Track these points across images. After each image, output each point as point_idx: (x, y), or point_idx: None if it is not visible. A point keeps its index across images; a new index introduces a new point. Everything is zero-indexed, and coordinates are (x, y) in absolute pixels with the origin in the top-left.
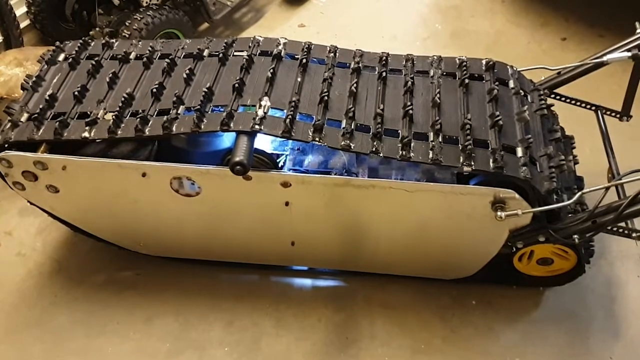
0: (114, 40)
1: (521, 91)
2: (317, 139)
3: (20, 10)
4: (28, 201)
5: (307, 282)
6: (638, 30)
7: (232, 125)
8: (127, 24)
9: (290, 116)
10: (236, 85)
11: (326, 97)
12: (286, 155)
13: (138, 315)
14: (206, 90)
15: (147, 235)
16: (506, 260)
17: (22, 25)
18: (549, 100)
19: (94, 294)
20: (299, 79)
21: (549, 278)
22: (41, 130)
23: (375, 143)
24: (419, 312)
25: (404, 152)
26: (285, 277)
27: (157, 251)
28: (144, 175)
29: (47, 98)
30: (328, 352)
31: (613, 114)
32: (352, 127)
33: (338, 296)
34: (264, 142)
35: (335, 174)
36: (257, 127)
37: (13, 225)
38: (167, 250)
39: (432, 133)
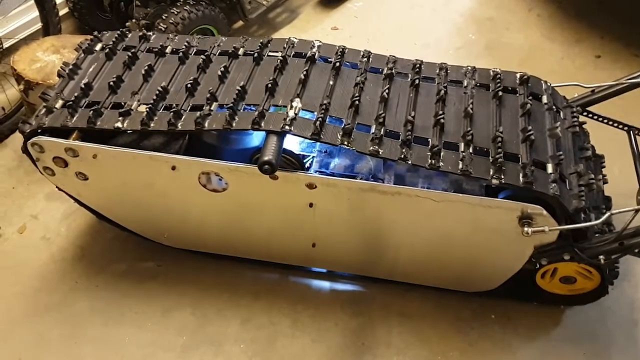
0: (151, 33)
1: (554, 107)
2: (345, 142)
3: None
4: (57, 187)
5: (326, 284)
6: None
7: (263, 124)
8: (163, 17)
9: (320, 119)
10: (269, 85)
11: (357, 102)
12: (313, 157)
13: (156, 307)
14: (239, 88)
15: (172, 227)
16: (529, 277)
17: (61, 13)
18: (581, 118)
19: (114, 283)
20: (331, 82)
21: (571, 297)
22: (75, 118)
23: (404, 150)
24: (437, 323)
25: (433, 161)
26: (304, 278)
27: (180, 244)
28: (173, 168)
29: (83, 86)
30: (343, 357)
31: None
32: (382, 132)
33: (356, 301)
34: (292, 143)
35: (361, 179)
36: (287, 127)
37: (39, 209)
38: (190, 244)
39: (462, 143)
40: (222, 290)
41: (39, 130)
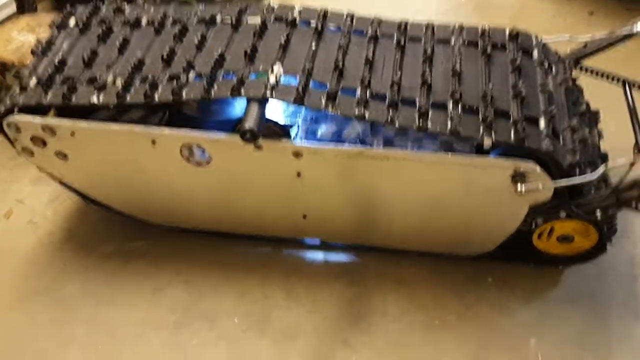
0: (125, 5)
1: (545, 62)
2: (330, 107)
3: None
4: (37, 168)
5: (320, 255)
6: None
7: (242, 91)
8: None
9: (303, 83)
10: (248, 51)
11: (341, 65)
12: (298, 125)
13: (147, 286)
14: (217, 56)
15: (158, 205)
16: (525, 238)
17: None
18: (574, 73)
19: (103, 264)
20: (313, 46)
21: (569, 256)
22: (49, 95)
23: (391, 112)
24: (433, 288)
25: (421, 122)
26: (297, 251)
27: (168, 222)
28: (153, 142)
29: (57, 63)
30: (339, 326)
31: None
32: (367, 95)
33: (350, 271)
34: (276, 112)
35: (348, 145)
36: (268, 93)
37: (25, 193)
38: (178, 221)
39: (451, 103)
40: (214, 266)
41: (15, 110)
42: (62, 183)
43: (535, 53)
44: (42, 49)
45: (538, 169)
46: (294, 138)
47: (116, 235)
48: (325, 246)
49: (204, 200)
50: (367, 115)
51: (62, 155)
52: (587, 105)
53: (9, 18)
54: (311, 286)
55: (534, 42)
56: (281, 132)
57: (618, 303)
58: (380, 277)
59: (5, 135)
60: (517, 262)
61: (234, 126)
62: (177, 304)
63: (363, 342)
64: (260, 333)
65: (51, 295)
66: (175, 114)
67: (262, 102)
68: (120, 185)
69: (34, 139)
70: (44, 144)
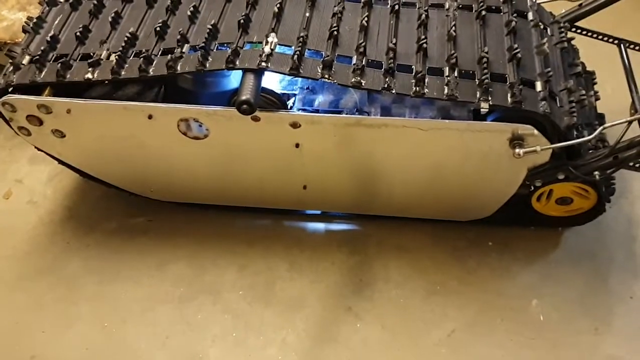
0: None
1: (540, 24)
2: (326, 75)
3: None
4: (35, 147)
5: (321, 226)
6: None
7: (238, 62)
8: None
9: (298, 52)
10: (242, 21)
11: (336, 32)
12: (295, 95)
13: (151, 261)
14: (211, 27)
15: (157, 180)
16: (524, 201)
17: None
18: (570, 34)
19: (106, 241)
20: (307, 14)
21: (568, 218)
22: (43, 73)
23: (387, 79)
24: (434, 254)
25: (417, 88)
26: (298, 222)
27: (168, 197)
28: (150, 117)
29: (49, 40)
30: (342, 294)
31: (637, 48)
32: (363, 63)
33: (352, 240)
34: (273, 82)
35: (346, 114)
36: (263, 64)
37: (24, 173)
38: (178, 196)
39: (447, 68)
40: (216, 240)
41: (9, 90)
42: (60, 161)
43: (530, 15)
44: (34, 26)
45: (535, 132)
46: (290, 108)
47: (117, 212)
48: (325, 217)
49: (203, 173)
50: (363, 83)
51: (59, 133)
52: (583, 66)
53: None
54: (313, 256)
55: (529, 3)
56: (278, 102)
57: (618, 263)
58: (381, 245)
59: (1, 115)
60: (517, 225)
61: (229, 98)
62: (181, 279)
63: (366, 308)
64: (265, 304)
65: (54, 273)
66: (170, 89)
67: (258, 72)
68: (118, 161)
69: (30, 118)
70: (40, 122)
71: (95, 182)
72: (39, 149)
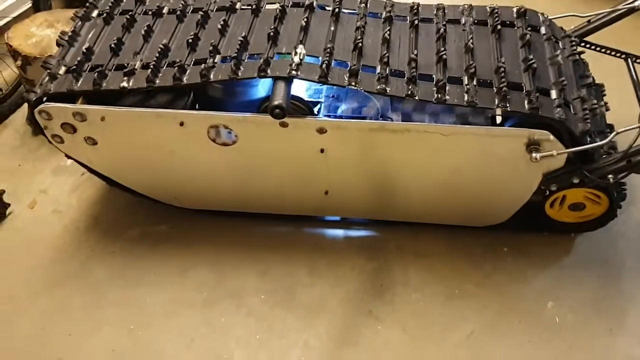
0: None
1: (553, 37)
2: (353, 83)
3: None
4: (66, 155)
5: (340, 232)
6: None
7: (269, 71)
8: None
9: (326, 62)
10: (271, 34)
11: (360, 44)
12: (321, 103)
13: (174, 268)
14: (241, 39)
15: (183, 187)
16: (538, 207)
17: None
18: (579, 49)
19: (130, 248)
20: (332, 28)
21: (581, 224)
22: (80, 82)
23: (410, 87)
24: (451, 259)
25: (439, 95)
26: (318, 228)
27: (192, 204)
28: (181, 124)
29: (84, 51)
30: (363, 299)
31: None
32: (387, 72)
33: (371, 246)
34: (299, 91)
35: (370, 120)
36: (294, 72)
37: (48, 184)
38: (202, 203)
39: (466, 77)
40: (237, 246)
41: (44, 99)
42: (89, 169)
43: (543, 29)
44: (68, 39)
45: (551, 137)
46: (317, 115)
47: (140, 220)
48: (344, 223)
49: (228, 180)
50: (388, 90)
51: (92, 141)
52: (593, 78)
53: (25, 14)
54: (333, 262)
55: (541, 18)
56: (306, 109)
57: (629, 267)
58: (399, 250)
59: (36, 122)
60: (531, 231)
61: (258, 106)
62: (204, 284)
63: (387, 312)
64: (287, 308)
65: (80, 279)
66: (199, 98)
67: (288, 80)
68: (146, 168)
69: (64, 126)
70: (74, 130)
71: (121, 190)
72: (69, 157)
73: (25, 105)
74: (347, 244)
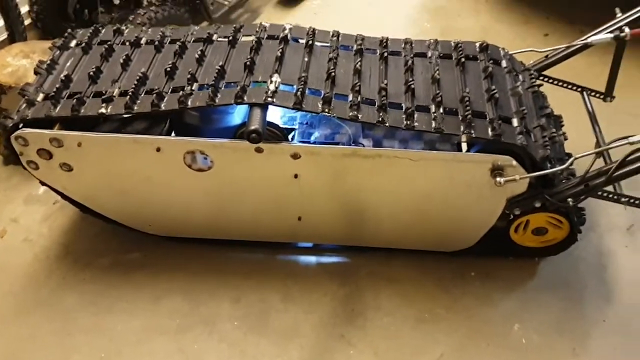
0: (124, 27)
1: (513, 70)
2: (326, 110)
3: (22, 10)
4: (40, 182)
5: (313, 259)
6: (618, 15)
7: (245, 98)
8: (130, 19)
9: (300, 90)
10: (247, 63)
11: (333, 74)
12: (295, 130)
13: (146, 295)
14: (219, 68)
15: (158, 214)
16: (504, 232)
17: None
18: (538, 82)
19: (102, 276)
20: (306, 59)
21: (544, 249)
22: (58, 108)
23: (381, 114)
24: (421, 284)
25: (408, 122)
26: (291, 255)
27: (166, 231)
28: (158, 150)
29: (63, 79)
30: (335, 324)
31: (597, 95)
32: (359, 100)
33: (343, 272)
34: (275, 118)
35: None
36: (269, 99)
37: (19, 212)
38: (176, 230)
39: (433, 105)
40: (211, 274)
41: (21, 125)
42: (63, 195)
43: (504, 62)
44: (47, 68)
45: (514, 162)
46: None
47: (113, 248)
48: (317, 249)
49: (203, 206)
50: (360, 117)
51: (67, 167)
52: (552, 110)
53: (1, 45)
54: (306, 288)
55: (502, 53)
56: (281, 135)
57: (591, 290)
58: (371, 276)
59: (10, 150)
60: (498, 256)
61: (233, 132)
62: (177, 311)
63: (359, 336)
64: (260, 334)
65: (50, 307)
66: (176, 125)
67: (264, 107)
68: (120, 195)
69: (40, 152)
70: (50, 156)
71: (94, 217)
72: (43, 184)
73: None
74: (319, 270)
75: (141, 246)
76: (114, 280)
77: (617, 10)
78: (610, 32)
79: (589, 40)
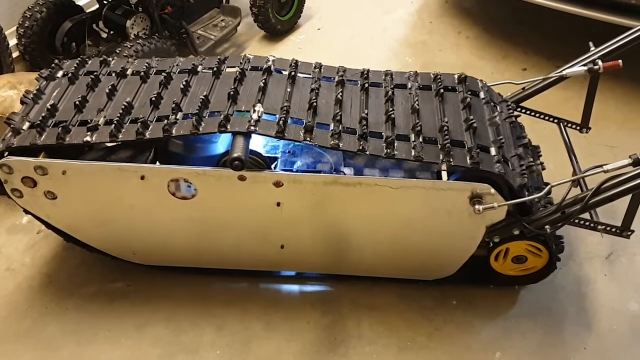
0: (110, 59)
1: (491, 101)
2: (308, 139)
3: (10, 42)
4: (24, 210)
5: (295, 287)
6: (592, 48)
7: (229, 127)
8: (117, 51)
9: (282, 119)
10: (231, 93)
11: (315, 104)
12: (277, 158)
13: (129, 324)
14: (203, 98)
15: (141, 242)
16: (484, 261)
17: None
18: (515, 112)
19: (84, 305)
20: (288, 89)
21: (524, 277)
22: (43, 136)
23: (361, 143)
24: (403, 312)
25: (388, 151)
26: (273, 284)
27: (149, 260)
28: (142, 178)
29: (49, 108)
30: (318, 352)
31: (574, 127)
32: (340, 129)
33: (325, 300)
34: (258, 146)
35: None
36: (252, 128)
37: (2, 242)
38: (160, 259)
39: (413, 135)
40: (194, 302)
41: (6, 153)
42: (46, 224)
43: (482, 94)
44: (33, 97)
45: (492, 190)
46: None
47: (96, 278)
48: (300, 278)
49: (186, 235)
50: (341, 145)
51: (51, 195)
52: (529, 140)
53: None
54: (289, 316)
55: (480, 84)
56: (263, 163)
57: (571, 317)
58: (353, 304)
59: None
60: (478, 284)
61: (217, 161)
62: (160, 339)
63: None
64: None
65: (32, 337)
66: (160, 152)
67: (247, 135)
68: (105, 223)
69: (25, 180)
70: (35, 184)
71: (78, 246)
72: (27, 212)
73: None
74: (302, 298)
75: (125, 275)
76: (97, 309)
77: (591, 44)
78: (584, 64)
79: (564, 72)
